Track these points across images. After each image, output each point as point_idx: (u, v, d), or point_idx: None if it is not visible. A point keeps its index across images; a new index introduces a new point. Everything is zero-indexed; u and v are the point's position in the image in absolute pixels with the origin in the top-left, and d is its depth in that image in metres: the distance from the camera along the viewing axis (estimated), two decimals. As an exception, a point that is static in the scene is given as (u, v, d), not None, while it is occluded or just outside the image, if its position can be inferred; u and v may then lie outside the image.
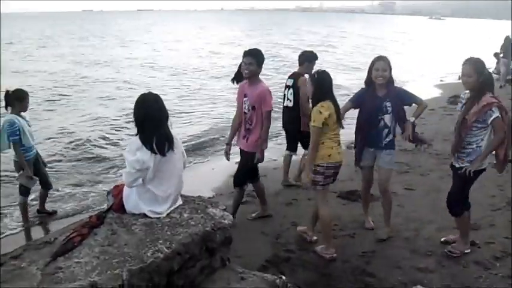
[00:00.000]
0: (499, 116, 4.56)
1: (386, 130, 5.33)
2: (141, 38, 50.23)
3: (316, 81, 5.02)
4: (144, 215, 3.82)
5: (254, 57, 5.56)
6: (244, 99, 5.73)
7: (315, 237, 5.54)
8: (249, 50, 5.67)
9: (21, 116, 6.22)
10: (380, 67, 5.23)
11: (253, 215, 6.30)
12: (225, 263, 3.91)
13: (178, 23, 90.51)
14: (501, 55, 19.00)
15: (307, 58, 7.17)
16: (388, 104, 5.25)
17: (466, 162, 4.80)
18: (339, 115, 4.99)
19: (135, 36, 53.17)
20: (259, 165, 5.96)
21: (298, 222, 6.02)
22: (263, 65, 5.72)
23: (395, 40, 54.63)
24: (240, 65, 5.71)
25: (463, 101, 4.86)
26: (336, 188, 7.10)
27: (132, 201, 3.88)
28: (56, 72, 23.35)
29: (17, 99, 6.17)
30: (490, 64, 21.11)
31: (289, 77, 7.16)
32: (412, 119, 5.29)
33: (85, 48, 37.19)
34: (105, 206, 4.24)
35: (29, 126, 6.41)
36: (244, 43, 40.52)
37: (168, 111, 4.01)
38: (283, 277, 3.92)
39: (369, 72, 5.34)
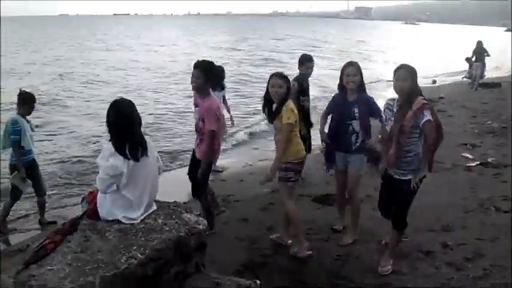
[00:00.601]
0: (431, 118, 4.48)
1: (355, 135, 5.39)
2: (141, 42, 50.00)
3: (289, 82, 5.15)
4: (118, 221, 3.81)
5: (201, 71, 5.47)
6: (196, 108, 5.72)
7: (290, 241, 5.57)
8: (198, 62, 5.57)
9: (25, 119, 6.32)
10: (350, 72, 5.31)
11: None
12: (199, 268, 3.92)
13: (165, 28, 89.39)
14: (473, 59, 19.37)
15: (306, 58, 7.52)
16: (356, 110, 5.32)
17: (407, 173, 4.65)
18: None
19: (131, 40, 52.83)
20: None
21: (274, 226, 6.05)
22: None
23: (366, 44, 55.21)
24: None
25: (393, 109, 4.69)
26: (311, 191, 7.17)
27: (106, 207, 3.87)
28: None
29: (23, 101, 6.30)
30: (463, 68, 21.65)
31: None
32: (370, 144, 5.36)
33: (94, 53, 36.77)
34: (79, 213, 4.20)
35: (32, 130, 6.49)
36: (241, 47, 40.68)
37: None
38: (258, 282, 3.95)
39: (340, 77, 5.42)
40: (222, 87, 8.44)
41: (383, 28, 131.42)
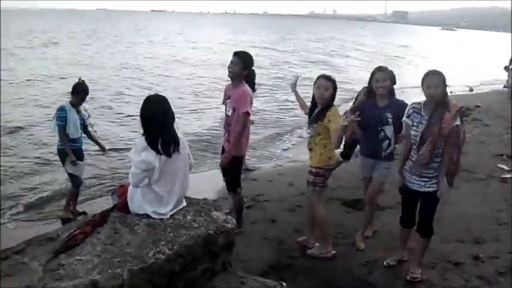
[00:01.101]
0: (460, 123, 4.46)
1: (386, 141, 5.29)
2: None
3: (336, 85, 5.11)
4: (148, 216, 3.83)
5: (241, 59, 5.58)
6: (228, 101, 5.75)
7: (316, 244, 5.53)
8: (239, 51, 5.72)
9: (76, 108, 6.46)
10: (380, 78, 5.22)
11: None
12: (226, 266, 3.92)
13: (208, 27, 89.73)
14: (511, 67, 18.96)
15: None
16: (389, 115, 5.21)
17: (430, 182, 4.61)
18: None
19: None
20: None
21: (301, 228, 6.01)
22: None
23: (408, 49, 54.54)
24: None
25: (421, 113, 4.58)
26: (341, 195, 7.10)
27: (137, 201, 3.90)
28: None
29: (73, 91, 6.47)
30: (502, 76, 21.17)
31: None
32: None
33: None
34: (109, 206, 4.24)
35: (83, 120, 6.58)
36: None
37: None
38: (284, 283, 3.91)
39: (369, 83, 5.34)
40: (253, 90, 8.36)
41: (421, 33, 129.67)
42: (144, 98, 4.02)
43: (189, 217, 3.90)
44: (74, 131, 6.41)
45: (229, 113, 5.70)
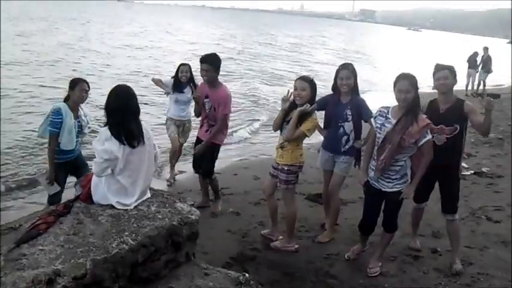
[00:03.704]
0: (431, 138, 4.58)
1: (345, 137, 5.44)
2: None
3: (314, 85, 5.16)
4: (112, 207, 3.82)
5: (210, 64, 5.79)
6: (206, 100, 6.00)
7: (281, 237, 5.60)
8: (205, 56, 5.88)
9: (75, 113, 5.34)
10: (344, 75, 5.35)
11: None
12: (190, 258, 3.95)
13: (182, 18, 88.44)
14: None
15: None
16: (349, 112, 5.37)
17: (397, 183, 4.70)
18: None
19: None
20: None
21: (265, 222, 6.07)
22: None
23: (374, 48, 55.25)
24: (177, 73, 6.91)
25: (387, 116, 4.65)
26: (305, 190, 7.19)
27: (100, 191, 3.88)
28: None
29: (70, 87, 5.32)
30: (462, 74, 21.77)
31: None
32: (358, 144, 5.46)
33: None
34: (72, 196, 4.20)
35: (80, 128, 5.44)
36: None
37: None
38: (247, 274, 3.97)
39: (334, 79, 5.46)
40: None
41: (387, 33, 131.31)
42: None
43: (153, 208, 3.91)
44: (68, 142, 5.28)
45: (209, 112, 6.02)
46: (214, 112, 5.96)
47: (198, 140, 6.24)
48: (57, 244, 3.26)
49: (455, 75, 4.95)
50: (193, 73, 7.23)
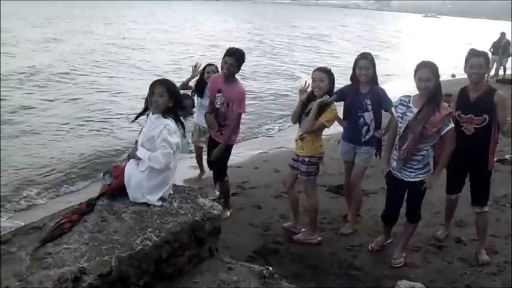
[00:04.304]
0: (453, 126, 4.52)
1: (365, 127, 5.39)
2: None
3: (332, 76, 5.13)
4: (135, 203, 3.83)
5: (236, 60, 5.61)
6: (218, 94, 5.75)
7: (303, 230, 5.59)
8: (233, 50, 5.67)
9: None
10: (363, 65, 5.29)
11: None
12: (213, 253, 3.94)
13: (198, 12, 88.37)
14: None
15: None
16: (369, 101, 5.32)
17: (419, 172, 4.65)
18: None
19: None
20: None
21: (287, 215, 6.06)
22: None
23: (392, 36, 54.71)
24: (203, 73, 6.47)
25: (408, 105, 4.61)
26: (326, 181, 7.16)
27: (147, 187, 3.90)
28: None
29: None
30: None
31: None
32: (379, 133, 5.42)
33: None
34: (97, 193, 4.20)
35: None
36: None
37: None
38: (270, 268, 3.96)
39: (353, 69, 5.41)
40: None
41: (405, 20, 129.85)
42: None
43: (175, 204, 3.92)
44: None
45: (220, 108, 5.75)
46: (227, 108, 5.69)
47: (212, 141, 6.03)
48: (81, 242, 3.28)
49: (488, 63, 4.88)
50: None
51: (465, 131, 4.78)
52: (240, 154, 9.03)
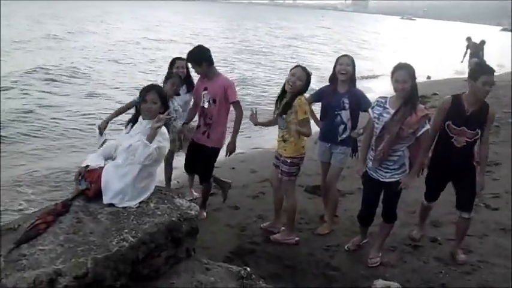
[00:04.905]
0: (429, 128, 4.57)
1: (342, 126, 5.40)
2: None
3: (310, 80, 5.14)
4: (111, 204, 3.79)
5: (192, 62, 5.71)
6: (204, 92, 5.73)
7: (283, 228, 5.61)
8: (187, 55, 5.75)
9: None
10: (344, 62, 5.33)
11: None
12: (190, 253, 3.93)
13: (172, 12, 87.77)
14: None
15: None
16: (346, 100, 5.34)
17: (395, 173, 4.69)
18: None
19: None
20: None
21: (264, 215, 6.08)
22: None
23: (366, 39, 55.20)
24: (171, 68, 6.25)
25: (385, 106, 4.63)
26: (303, 182, 7.18)
27: (117, 191, 3.84)
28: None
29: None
30: (457, 67, 22.04)
31: None
32: (355, 134, 5.43)
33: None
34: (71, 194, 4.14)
35: None
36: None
37: None
38: (248, 268, 3.97)
39: (334, 68, 5.43)
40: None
41: (382, 22, 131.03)
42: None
43: (152, 205, 3.89)
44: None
45: (206, 105, 5.71)
46: (214, 105, 5.65)
47: (193, 144, 5.95)
48: (57, 243, 3.25)
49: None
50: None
51: (455, 143, 4.79)
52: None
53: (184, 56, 5.90)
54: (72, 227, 3.47)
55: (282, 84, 5.22)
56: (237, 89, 5.90)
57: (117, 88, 16.12)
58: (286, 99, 5.10)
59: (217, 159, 5.98)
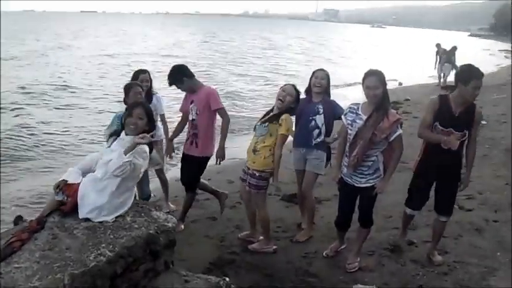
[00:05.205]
0: (401, 132, 4.62)
1: (317, 130, 5.48)
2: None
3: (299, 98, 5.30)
4: (86, 219, 3.76)
5: (175, 82, 5.81)
6: (191, 105, 5.82)
7: (261, 237, 5.62)
8: (168, 79, 5.84)
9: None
10: (319, 75, 5.50)
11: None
12: (168, 266, 3.92)
13: (146, 27, 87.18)
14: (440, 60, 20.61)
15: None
16: (321, 106, 5.47)
17: (370, 178, 4.74)
18: None
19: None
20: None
21: (242, 225, 6.09)
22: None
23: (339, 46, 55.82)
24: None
25: (357, 112, 4.69)
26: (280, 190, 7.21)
27: (95, 206, 3.80)
28: None
29: (125, 93, 5.46)
30: (429, 72, 22.38)
31: None
32: (330, 139, 5.54)
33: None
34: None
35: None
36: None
37: None
38: (227, 279, 3.97)
39: (309, 81, 5.58)
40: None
41: (352, 31, 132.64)
42: None
43: (128, 218, 3.87)
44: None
45: (195, 117, 5.79)
46: (200, 115, 5.73)
47: (184, 156, 6.03)
48: (33, 261, 3.21)
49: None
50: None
51: (442, 145, 4.78)
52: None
53: (146, 67, 6.13)
54: (48, 244, 3.43)
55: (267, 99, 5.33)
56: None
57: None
58: (275, 112, 5.19)
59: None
